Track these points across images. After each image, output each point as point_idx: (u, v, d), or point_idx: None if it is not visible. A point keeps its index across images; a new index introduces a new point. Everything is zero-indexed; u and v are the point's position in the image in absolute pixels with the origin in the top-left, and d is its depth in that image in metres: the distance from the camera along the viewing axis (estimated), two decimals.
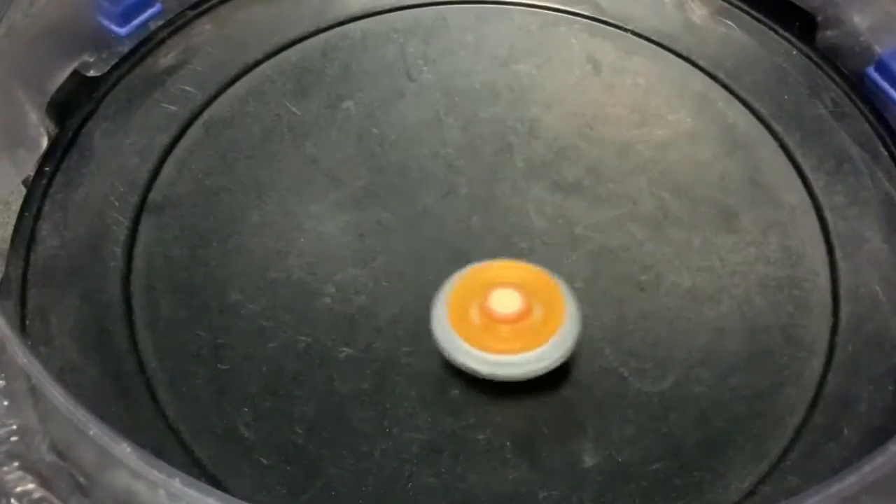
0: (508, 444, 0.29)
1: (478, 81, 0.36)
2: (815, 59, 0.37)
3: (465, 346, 0.28)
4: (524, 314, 0.28)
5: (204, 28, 0.38)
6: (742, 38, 0.38)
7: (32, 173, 0.34)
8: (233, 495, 0.23)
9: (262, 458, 0.28)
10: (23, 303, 0.31)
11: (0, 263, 0.32)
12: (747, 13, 0.38)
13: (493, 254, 0.32)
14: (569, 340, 0.29)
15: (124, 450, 0.23)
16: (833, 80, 0.36)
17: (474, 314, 0.29)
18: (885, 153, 0.35)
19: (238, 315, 0.31)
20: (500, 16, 0.38)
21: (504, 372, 0.28)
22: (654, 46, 0.37)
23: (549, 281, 0.30)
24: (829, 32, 0.38)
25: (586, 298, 0.31)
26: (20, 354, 0.25)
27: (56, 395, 0.24)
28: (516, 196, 0.34)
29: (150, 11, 0.38)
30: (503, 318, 0.28)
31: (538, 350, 0.28)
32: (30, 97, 0.35)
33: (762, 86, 0.36)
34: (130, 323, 0.31)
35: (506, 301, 0.29)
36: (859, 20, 0.37)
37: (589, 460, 0.29)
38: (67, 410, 0.24)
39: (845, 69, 0.37)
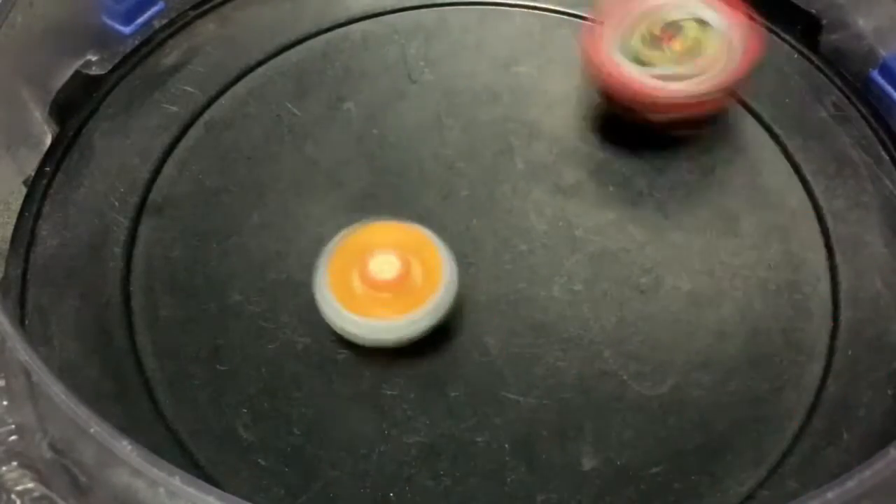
0: (507, 446, 0.29)
1: (479, 83, 0.36)
2: (816, 62, 0.37)
3: (346, 312, 0.28)
4: (403, 278, 0.29)
5: (205, 28, 0.38)
6: None
7: (33, 173, 0.34)
8: None
9: (260, 460, 0.28)
10: (22, 302, 0.31)
11: (0, 263, 0.32)
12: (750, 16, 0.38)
13: (495, 256, 0.32)
14: (444, 306, 0.29)
15: (125, 447, 0.23)
16: (834, 83, 0.36)
17: (355, 280, 0.29)
18: (887, 157, 0.35)
19: (237, 316, 0.31)
20: (502, 18, 0.38)
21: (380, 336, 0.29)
22: None
23: (427, 241, 0.30)
24: (833, 36, 0.38)
25: (586, 300, 0.31)
26: (21, 351, 0.25)
27: (57, 392, 0.24)
28: (517, 198, 0.34)
29: (153, 10, 0.38)
30: (383, 284, 0.29)
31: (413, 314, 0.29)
32: (34, 96, 0.35)
33: (764, 89, 0.36)
34: (130, 323, 0.31)
35: (385, 266, 0.29)
36: (864, 23, 0.37)
37: (587, 463, 0.29)
38: (68, 408, 0.24)
39: (849, 72, 0.37)
